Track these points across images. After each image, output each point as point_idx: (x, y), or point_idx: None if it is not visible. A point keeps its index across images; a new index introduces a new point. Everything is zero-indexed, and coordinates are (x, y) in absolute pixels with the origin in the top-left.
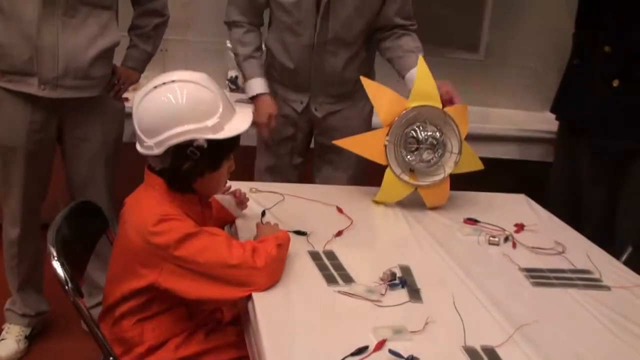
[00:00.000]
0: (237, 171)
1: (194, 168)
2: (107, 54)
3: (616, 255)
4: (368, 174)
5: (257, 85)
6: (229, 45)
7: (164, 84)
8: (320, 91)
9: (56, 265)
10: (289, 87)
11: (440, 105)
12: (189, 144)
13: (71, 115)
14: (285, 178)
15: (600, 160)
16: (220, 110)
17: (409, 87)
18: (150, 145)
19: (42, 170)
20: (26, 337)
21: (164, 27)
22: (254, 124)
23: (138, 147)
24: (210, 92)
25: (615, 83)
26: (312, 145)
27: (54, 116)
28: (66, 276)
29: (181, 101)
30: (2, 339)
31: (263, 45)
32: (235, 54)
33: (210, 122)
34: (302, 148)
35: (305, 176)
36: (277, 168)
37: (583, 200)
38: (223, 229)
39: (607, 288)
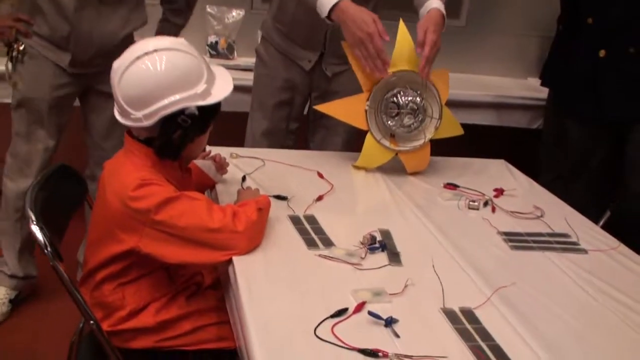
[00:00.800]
0: (225, 137)
1: (185, 136)
2: (135, 31)
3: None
4: (363, 139)
5: None
6: (209, 10)
7: (145, 54)
8: (334, 49)
9: (35, 229)
10: (297, 43)
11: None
12: (179, 112)
13: (100, 75)
14: (281, 143)
15: (591, 128)
16: (205, 75)
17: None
18: (138, 117)
19: (62, 120)
20: (10, 301)
21: (195, 1)
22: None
23: (121, 119)
24: (194, 58)
25: (602, 53)
26: (305, 112)
27: (83, 78)
28: (45, 240)
29: (168, 71)
30: None
31: None
32: None
33: (199, 89)
34: (298, 113)
35: (301, 141)
36: (273, 133)
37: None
38: (203, 194)
39: (585, 251)
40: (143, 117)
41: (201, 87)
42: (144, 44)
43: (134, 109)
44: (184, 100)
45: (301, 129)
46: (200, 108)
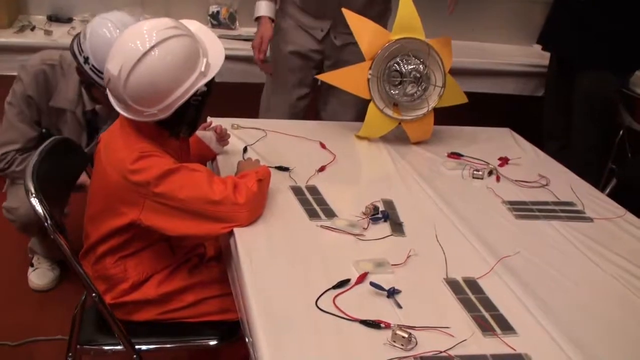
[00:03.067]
0: (229, 108)
1: (198, 111)
2: None
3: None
4: None
5: (263, 7)
6: None
7: (144, 54)
8: (342, 19)
9: (34, 201)
10: (310, 13)
11: (423, 37)
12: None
13: None
14: (292, 107)
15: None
16: (200, 49)
17: None
18: (153, 113)
19: None
20: (58, 264)
21: None
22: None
23: (131, 116)
24: (188, 37)
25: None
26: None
27: None
28: (45, 212)
29: (173, 63)
30: (36, 268)
31: None
32: None
33: (201, 66)
34: (309, 79)
35: (312, 110)
36: (284, 97)
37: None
38: (204, 165)
39: (590, 220)
40: (158, 112)
41: (202, 64)
42: (137, 44)
43: (146, 107)
44: (194, 83)
45: (312, 98)
46: (207, 83)
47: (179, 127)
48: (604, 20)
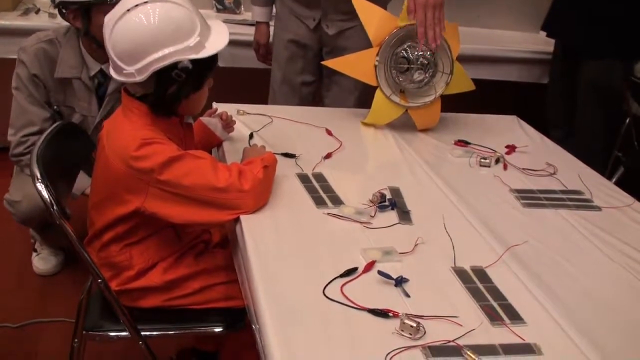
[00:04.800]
0: (235, 93)
1: (179, 91)
2: None
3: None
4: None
5: (256, 13)
6: None
7: (136, 6)
8: (331, 7)
9: (40, 187)
10: (301, 3)
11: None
12: (173, 66)
13: None
14: (297, 95)
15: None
16: (199, 28)
17: None
18: (130, 73)
19: None
20: (61, 249)
21: None
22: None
23: (115, 74)
24: (186, 10)
25: None
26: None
27: None
28: (51, 198)
29: (160, 23)
30: (39, 254)
31: None
32: None
33: (191, 42)
34: (312, 66)
35: (317, 95)
36: (288, 85)
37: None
38: (210, 152)
39: (598, 208)
40: (135, 72)
41: (194, 40)
42: None
43: (126, 63)
44: (176, 53)
45: (316, 82)
46: (195, 63)
47: (158, 103)
48: (610, 7)
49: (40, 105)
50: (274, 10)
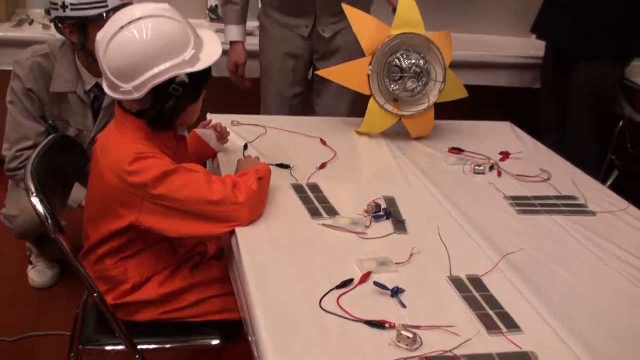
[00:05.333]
0: (228, 103)
1: (177, 105)
2: None
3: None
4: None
5: (231, 32)
6: None
7: (129, 22)
8: (324, 11)
9: (35, 201)
10: (291, 14)
11: (423, 32)
12: (170, 81)
13: None
14: (289, 106)
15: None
16: (192, 40)
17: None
18: (128, 90)
19: None
20: (56, 261)
21: None
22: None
23: (110, 92)
24: (179, 23)
25: None
26: (310, 76)
27: None
28: (46, 212)
29: (155, 39)
30: (34, 266)
31: None
32: None
33: (187, 55)
34: (302, 77)
35: (307, 105)
36: (280, 97)
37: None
38: (205, 164)
39: (593, 213)
40: (133, 89)
41: (189, 53)
42: (126, 12)
43: (122, 81)
44: (173, 68)
45: (306, 93)
46: (190, 75)
47: (157, 119)
48: (601, 8)
49: (34, 120)
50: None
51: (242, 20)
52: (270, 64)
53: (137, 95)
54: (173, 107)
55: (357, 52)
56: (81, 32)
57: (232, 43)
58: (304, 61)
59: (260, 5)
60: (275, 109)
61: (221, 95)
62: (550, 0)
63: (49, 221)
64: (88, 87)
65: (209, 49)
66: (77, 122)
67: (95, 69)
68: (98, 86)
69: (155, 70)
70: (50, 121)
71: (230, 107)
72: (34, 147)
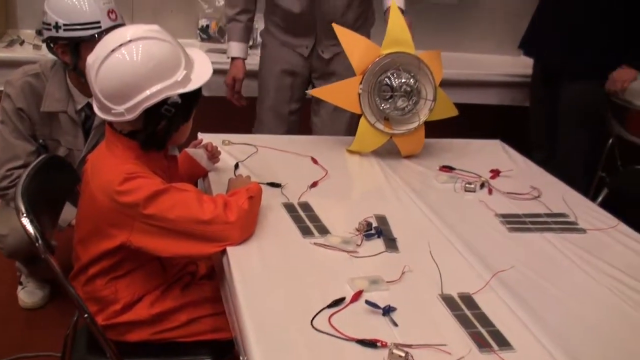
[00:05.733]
0: (219, 122)
1: (170, 125)
2: None
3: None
4: None
5: (233, 49)
6: None
7: (120, 45)
8: (325, 33)
9: (25, 222)
10: (293, 34)
11: (413, 51)
12: (162, 102)
13: None
14: (285, 123)
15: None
16: (183, 61)
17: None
18: (120, 112)
19: None
20: (46, 282)
21: None
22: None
23: (102, 114)
24: (170, 45)
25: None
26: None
27: None
28: (36, 233)
29: (147, 61)
30: (24, 287)
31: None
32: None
33: (179, 76)
34: (299, 95)
35: (303, 122)
36: (277, 114)
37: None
38: (196, 183)
39: (583, 231)
40: (125, 111)
41: (181, 74)
42: (117, 35)
43: (114, 103)
44: (166, 89)
45: (304, 109)
46: (182, 95)
47: (150, 140)
48: (587, 28)
49: (25, 139)
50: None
51: (245, 39)
52: (268, 80)
53: (129, 117)
54: (165, 128)
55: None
56: (73, 52)
57: (233, 58)
58: (303, 79)
59: (263, 23)
60: (270, 125)
61: (212, 115)
62: (537, 18)
63: (40, 242)
64: (79, 107)
65: (199, 69)
66: (68, 142)
67: (86, 88)
68: (89, 106)
69: (148, 92)
70: (40, 140)
71: (221, 127)
72: (24, 166)
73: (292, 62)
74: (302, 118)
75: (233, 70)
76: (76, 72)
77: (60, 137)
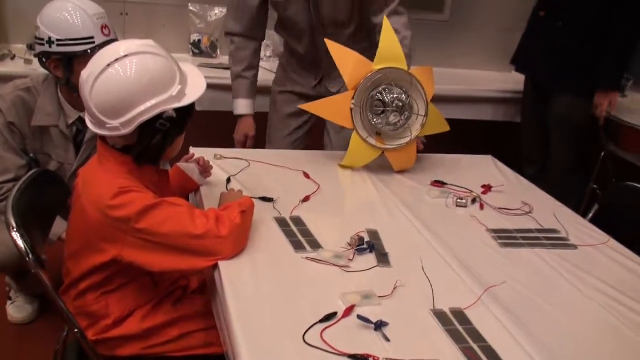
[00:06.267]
0: (212, 136)
1: (164, 139)
2: None
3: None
4: None
5: (241, 106)
6: (191, 8)
7: (115, 60)
8: (331, 69)
9: (16, 236)
10: (302, 68)
11: (405, 67)
12: (157, 117)
13: None
14: (289, 141)
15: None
16: (178, 75)
17: None
18: (115, 126)
19: None
20: (36, 296)
21: None
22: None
23: (96, 128)
24: (165, 59)
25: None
26: None
27: None
28: (27, 247)
29: (142, 76)
30: (13, 302)
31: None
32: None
33: (174, 91)
34: (309, 117)
35: (311, 140)
36: (290, 136)
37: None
38: (187, 197)
39: (574, 246)
40: (120, 125)
41: (175, 89)
42: (111, 50)
43: (109, 117)
44: (161, 103)
45: (311, 129)
46: (176, 109)
47: (145, 154)
48: (576, 45)
49: (16, 153)
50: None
51: (252, 94)
52: (278, 100)
53: (124, 131)
54: (160, 142)
55: None
56: (66, 67)
57: (241, 116)
58: (309, 99)
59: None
60: (277, 143)
61: (204, 129)
62: (527, 35)
63: (30, 256)
64: (70, 121)
65: (193, 83)
66: (59, 156)
67: (78, 102)
68: (80, 120)
69: (143, 106)
70: (31, 154)
71: (213, 141)
72: (15, 179)
73: (302, 91)
74: (312, 126)
75: (243, 128)
76: (68, 87)
77: (51, 151)
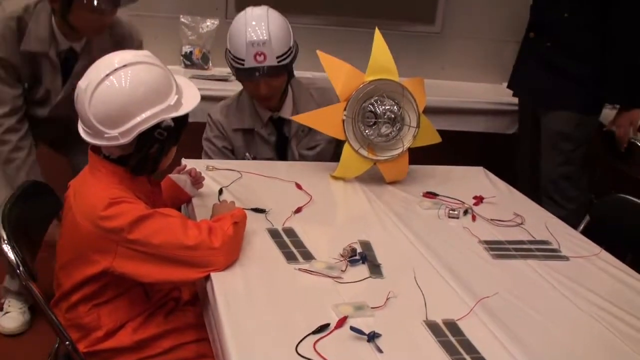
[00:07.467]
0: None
1: (162, 149)
2: None
3: None
4: None
5: None
6: (183, 20)
7: (114, 70)
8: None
9: (7, 248)
10: None
11: (397, 79)
12: (156, 126)
13: None
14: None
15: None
16: (174, 86)
17: None
18: (114, 136)
19: None
20: (29, 308)
21: None
22: None
23: (92, 140)
24: (162, 69)
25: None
26: None
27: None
28: (17, 260)
29: (142, 86)
30: (6, 312)
31: None
32: None
33: (172, 100)
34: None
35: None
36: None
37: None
38: (180, 209)
39: (566, 258)
40: (119, 134)
41: (173, 98)
42: (108, 60)
43: (108, 127)
44: (160, 113)
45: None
46: (174, 119)
47: (142, 164)
48: (569, 62)
49: (8, 85)
50: None
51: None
52: None
53: (123, 140)
54: (158, 152)
55: None
56: (65, 3)
57: None
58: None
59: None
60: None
61: (196, 141)
62: (521, 58)
63: (21, 269)
64: (61, 49)
65: (188, 94)
66: (47, 82)
67: (72, 35)
68: (71, 49)
69: (143, 116)
70: (25, 84)
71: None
72: (11, 111)
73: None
74: None
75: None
76: (64, 20)
77: (41, 76)
